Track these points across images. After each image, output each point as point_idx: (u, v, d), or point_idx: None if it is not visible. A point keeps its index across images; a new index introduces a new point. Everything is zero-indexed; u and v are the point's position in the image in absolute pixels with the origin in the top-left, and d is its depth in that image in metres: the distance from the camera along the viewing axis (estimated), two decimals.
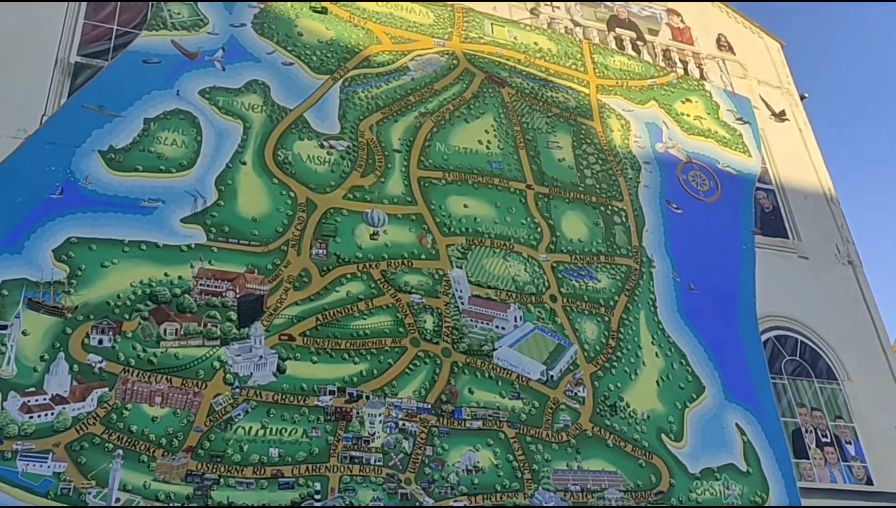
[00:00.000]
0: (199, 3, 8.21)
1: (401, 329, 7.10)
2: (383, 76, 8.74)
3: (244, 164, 7.40)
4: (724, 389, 8.12)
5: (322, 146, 7.86)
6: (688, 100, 10.67)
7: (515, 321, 7.64)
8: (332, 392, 6.52)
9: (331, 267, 7.17)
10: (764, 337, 8.77)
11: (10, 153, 6.57)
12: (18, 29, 7.36)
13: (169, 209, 6.82)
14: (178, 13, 8.07)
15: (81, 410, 5.73)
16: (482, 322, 7.48)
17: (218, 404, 6.13)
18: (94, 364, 5.90)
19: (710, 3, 12.16)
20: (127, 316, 6.18)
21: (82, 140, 6.86)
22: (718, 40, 11.79)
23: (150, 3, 8.01)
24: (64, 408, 5.67)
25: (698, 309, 8.59)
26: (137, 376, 5.98)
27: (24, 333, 5.84)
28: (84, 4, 7.82)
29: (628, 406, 7.56)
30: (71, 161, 6.71)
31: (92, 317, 6.08)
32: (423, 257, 7.63)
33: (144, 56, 7.61)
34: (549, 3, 10.72)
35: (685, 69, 11.12)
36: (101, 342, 6.00)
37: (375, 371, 6.78)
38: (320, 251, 7.22)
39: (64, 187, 6.55)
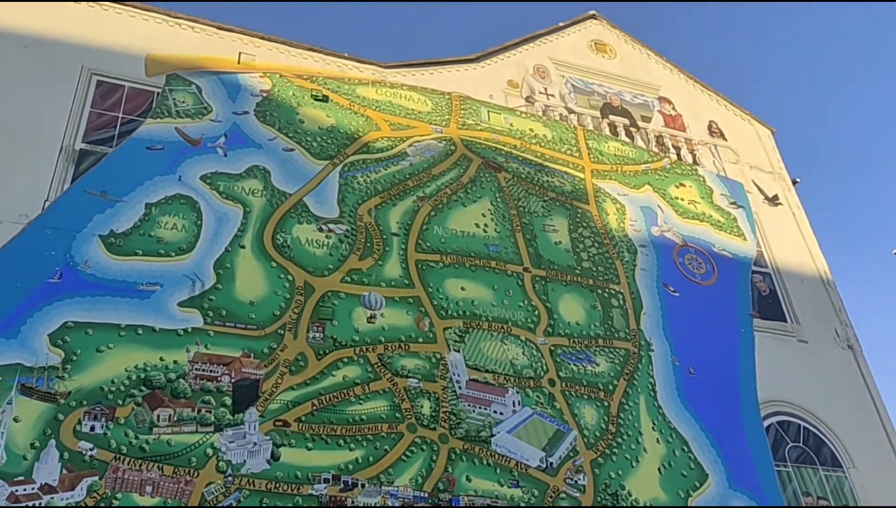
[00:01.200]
0: (203, 93, 8.48)
1: (397, 415, 7.04)
2: (382, 161, 8.94)
3: (243, 247, 7.49)
4: (728, 477, 7.99)
5: (321, 230, 7.98)
6: (682, 184, 10.88)
7: (514, 405, 7.58)
8: (326, 481, 6.41)
9: (327, 351, 7.16)
10: (766, 423, 8.67)
11: (11, 238, 6.66)
12: (25, 115, 7.58)
13: (167, 293, 6.87)
14: (183, 101, 8.32)
15: (70, 500, 5.62)
16: (480, 407, 7.42)
17: (210, 493, 6.01)
18: (84, 452, 5.83)
19: (700, 91, 12.55)
20: (120, 402, 6.14)
21: (83, 225, 6.97)
22: (710, 126, 12.11)
23: (156, 92, 8.28)
24: (52, 497, 5.56)
25: (699, 394, 8.53)
26: (128, 464, 5.89)
27: (15, 419, 5.79)
28: (91, 92, 8.08)
29: (630, 495, 7.42)
30: (71, 246, 6.80)
31: (85, 403, 6.03)
32: (420, 340, 7.63)
33: (148, 143, 7.82)
34: (543, 92, 11.06)
35: (678, 154, 11.37)
36: (93, 428, 5.93)
37: (371, 458, 6.69)
38: (317, 335, 7.23)
39: (63, 272, 6.61)
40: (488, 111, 10.32)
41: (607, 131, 11.15)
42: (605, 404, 8.00)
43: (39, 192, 7.11)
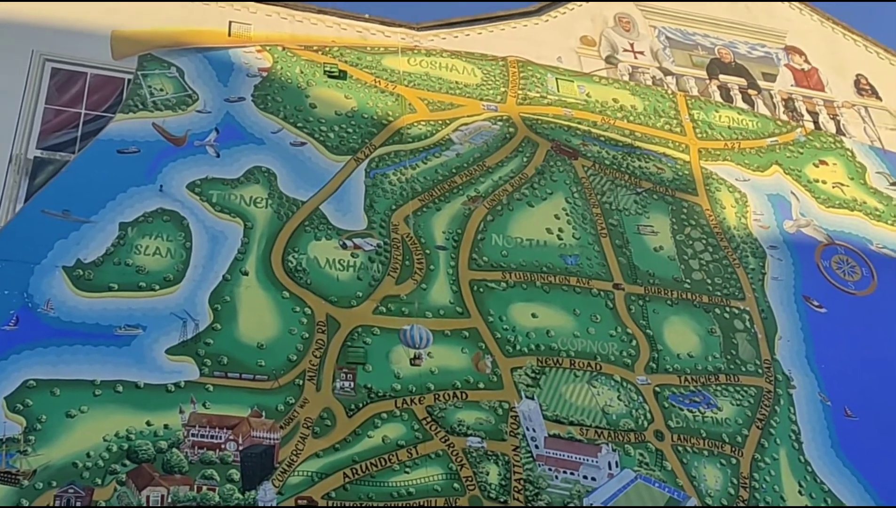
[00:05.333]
0: (185, 76, 8.69)
1: (456, 486, 7.08)
2: (420, 153, 9.04)
3: (245, 274, 7.64)
4: None
5: (345, 246, 8.09)
6: (822, 162, 10.74)
7: (610, 468, 7.55)
8: None
9: (360, 405, 7.24)
10: None
11: None
12: None
13: (151, 338, 7.03)
14: (161, 89, 8.55)
15: None
16: (565, 472, 7.41)
17: None
18: None
19: (841, 35, 12.38)
20: (99, 481, 6.29)
21: (43, 255, 7.18)
22: (857, 83, 11.93)
23: (126, 78, 8.51)
24: None
25: (860, 443, 8.39)
26: None
27: None
28: (45, 84, 8.34)
29: None
30: (29, 282, 7.00)
31: (55, 484, 6.19)
32: (481, 386, 7.67)
33: (119, 145, 8.04)
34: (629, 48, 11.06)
35: (815, 122, 11.23)
36: None
37: None
38: (346, 384, 7.32)
39: (19, 316, 6.82)
40: (557, 79, 10.35)
41: (718, 97, 11.07)
42: (733, 461, 7.92)
43: None
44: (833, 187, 10.50)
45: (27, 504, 6.05)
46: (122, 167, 7.89)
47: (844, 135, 11.22)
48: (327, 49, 9.55)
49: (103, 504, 6.20)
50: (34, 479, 6.17)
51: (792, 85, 11.55)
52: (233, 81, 8.87)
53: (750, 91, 11.28)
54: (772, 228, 9.83)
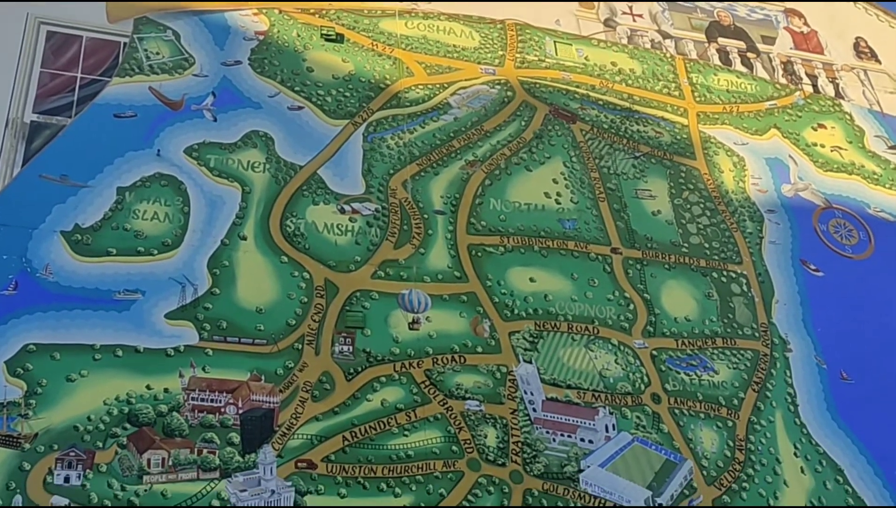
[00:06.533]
0: (181, 40, 8.65)
1: (454, 448, 7.14)
2: (418, 117, 9.02)
3: (244, 239, 7.65)
4: None
5: (342, 211, 8.09)
6: (821, 126, 10.72)
7: (607, 430, 7.61)
8: None
9: (360, 369, 7.28)
10: None
11: None
12: None
13: (150, 303, 7.05)
14: (157, 53, 8.50)
15: None
16: (562, 434, 7.47)
17: None
18: None
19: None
20: (100, 444, 6.34)
21: (41, 219, 7.18)
22: (857, 45, 11.88)
23: (122, 42, 8.47)
24: None
25: (856, 406, 8.46)
26: None
27: None
28: (41, 48, 8.30)
29: None
30: (27, 247, 7.01)
31: (56, 447, 6.24)
32: (479, 349, 7.71)
33: (116, 109, 8.01)
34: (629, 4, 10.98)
35: (814, 86, 11.21)
36: (67, 479, 6.14)
37: (423, 506, 6.80)
38: (345, 348, 7.36)
39: (18, 281, 6.84)
40: (555, 42, 10.30)
41: (717, 60, 11.03)
42: (730, 424, 7.98)
43: None
44: (831, 151, 10.50)
45: (29, 468, 6.10)
46: (120, 132, 7.87)
47: (843, 98, 11.20)
48: (324, 12, 9.49)
49: (105, 468, 6.26)
50: (35, 442, 6.22)
51: (791, 48, 11.50)
52: (229, 44, 8.83)
53: (749, 54, 11.23)
54: (770, 191, 9.84)
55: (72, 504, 6.06)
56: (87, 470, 6.21)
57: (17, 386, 6.39)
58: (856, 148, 10.69)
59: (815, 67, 11.42)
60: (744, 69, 11.04)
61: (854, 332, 9.00)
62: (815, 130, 10.66)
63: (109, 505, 6.15)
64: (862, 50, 11.90)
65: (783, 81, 11.11)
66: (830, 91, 11.25)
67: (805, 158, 10.33)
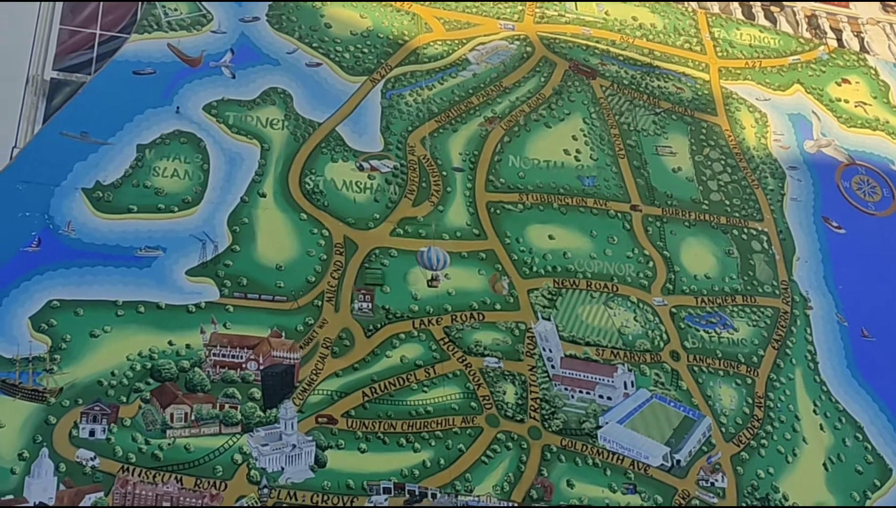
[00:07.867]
0: None
1: (473, 404, 7.21)
2: (436, 73, 8.99)
3: (263, 196, 7.69)
4: None
5: (361, 168, 8.11)
6: (845, 81, 10.61)
7: (625, 387, 7.65)
8: (387, 491, 6.64)
9: (379, 325, 7.34)
10: None
11: None
12: None
13: (171, 259, 7.13)
14: (176, 9, 8.49)
15: None
16: (581, 391, 7.53)
17: None
18: (85, 462, 6.15)
19: None
20: (124, 398, 6.45)
21: (62, 176, 7.25)
22: None
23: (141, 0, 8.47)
24: None
25: (876, 363, 8.47)
26: (140, 475, 6.21)
27: None
28: (59, 6, 8.31)
29: (786, 500, 7.45)
30: (49, 204, 7.08)
31: (81, 402, 6.35)
32: (497, 306, 7.75)
33: (135, 66, 8.02)
34: None
35: (839, 40, 11.07)
36: (92, 433, 6.26)
37: (443, 461, 6.88)
38: (364, 305, 7.42)
39: (41, 237, 6.92)
40: None
41: (739, 14, 10.92)
42: (749, 381, 8.01)
43: (5, 136, 7.42)
44: (855, 106, 10.39)
45: (55, 422, 6.21)
46: (139, 89, 7.89)
47: (868, 52, 11.06)
48: None
49: (129, 422, 6.36)
50: (60, 397, 6.33)
51: (816, 1, 11.34)
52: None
53: (772, 8, 11.10)
54: (792, 148, 9.77)
55: (98, 457, 6.18)
56: (112, 424, 6.32)
57: (41, 341, 6.49)
58: (880, 103, 10.57)
59: (840, 20, 11.27)
60: (767, 23, 10.91)
61: (876, 290, 8.98)
62: (839, 85, 10.55)
63: (134, 459, 6.26)
64: (888, 3, 11.73)
65: (807, 35, 10.98)
66: (855, 45, 11.12)
67: (828, 113, 10.23)
